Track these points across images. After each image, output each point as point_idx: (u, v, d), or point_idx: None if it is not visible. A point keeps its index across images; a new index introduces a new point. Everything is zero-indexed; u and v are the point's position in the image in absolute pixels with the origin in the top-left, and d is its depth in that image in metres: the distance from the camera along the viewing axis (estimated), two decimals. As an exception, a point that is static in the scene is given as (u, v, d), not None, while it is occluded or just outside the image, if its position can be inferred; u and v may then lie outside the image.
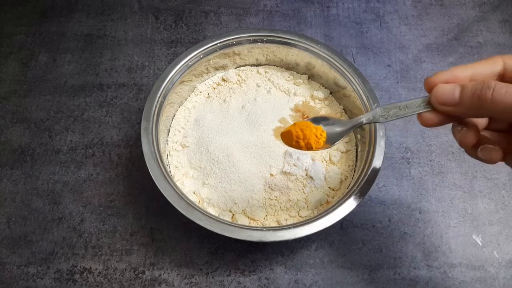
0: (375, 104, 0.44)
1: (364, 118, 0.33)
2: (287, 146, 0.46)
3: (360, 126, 0.34)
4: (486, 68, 0.28)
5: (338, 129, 0.34)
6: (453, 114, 0.28)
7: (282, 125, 0.47)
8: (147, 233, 0.46)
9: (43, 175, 0.49)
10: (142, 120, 0.43)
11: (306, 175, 0.45)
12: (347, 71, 0.47)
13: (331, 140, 0.34)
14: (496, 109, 0.25)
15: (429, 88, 0.29)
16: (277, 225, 0.43)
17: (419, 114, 0.29)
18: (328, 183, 0.45)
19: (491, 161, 0.29)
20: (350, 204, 0.38)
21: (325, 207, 0.43)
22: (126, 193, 0.48)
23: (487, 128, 0.31)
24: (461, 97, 0.27)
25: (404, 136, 0.52)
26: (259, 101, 0.49)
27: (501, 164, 0.31)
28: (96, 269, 0.44)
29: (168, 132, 0.48)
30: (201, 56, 0.48)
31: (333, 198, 0.44)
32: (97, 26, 0.61)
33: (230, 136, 0.46)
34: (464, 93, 0.27)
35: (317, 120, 0.35)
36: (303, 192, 0.44)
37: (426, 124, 0.29)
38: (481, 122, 0.31)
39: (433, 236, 0.46)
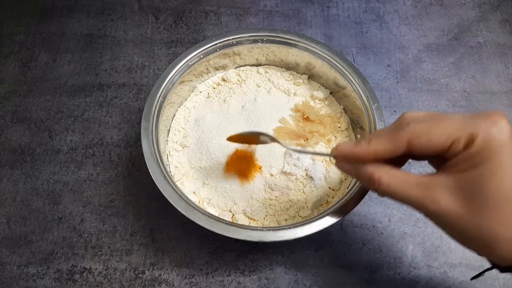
0: (375, 104, 0.44)
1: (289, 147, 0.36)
2: (287, 146, 0.46)
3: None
4: (389, 150, 0.28)
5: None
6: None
7: (282, 125, 0.47)
8: (147, 233, 0.46)
9: (43, 175, 0.49)
10: (142, 120, 0.43)
11: (306, 175, 0.45)
12: (347, 71, 0.47)
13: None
14: (386, 196, 0.29)
15: (337, 157, 0.32)
16: (277, 225, 0.43)
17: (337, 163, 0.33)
18: (328, 183, 0.45)
19: None
20: (350, 204, 0.38)
21: (325, 207, 0.43)
22: (126, 193, 0.48)
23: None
24: (357, 177, 0.31)
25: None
26: (259, 101, 0.49)
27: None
28: (96, 269, 0.44)
29: (168, 132, 0.48)
30: (201, 56, 0.48)
31: (333, 198, 0.44)
32: (97, 26, 0.61)
33: (230, 136, 0.46)
34: (357, 175, 0.30)
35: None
36: (303, 192, 0.44)
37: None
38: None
39: (433, 236, 0.46)
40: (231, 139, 0.40)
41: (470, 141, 0.25)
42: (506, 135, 0.25)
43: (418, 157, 0.29)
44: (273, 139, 0.38)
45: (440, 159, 0.28)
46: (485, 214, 0.25)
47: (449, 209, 0.26)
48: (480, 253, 0.27)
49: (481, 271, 0.31)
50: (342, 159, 0.31)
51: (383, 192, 0.28)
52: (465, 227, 0.26)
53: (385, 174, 0.28)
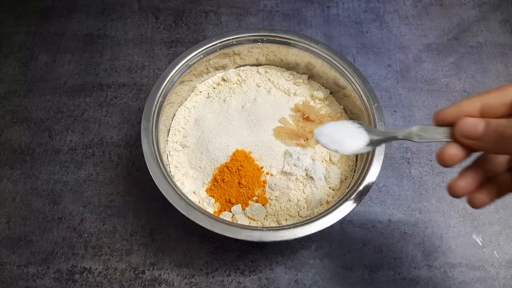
0: (375, 104, 0.44)
1: (399, 134, 0.31)
2: (287, 146, 0.46)
3: (394, 139, 0.32)
4: (496, 99, 0.27)
5: (359, 142, 0.33)
6: (475, 149, 0.28)
7: (282, 125, 0.47)
8: (147, 233, 0.46)
9: (43, 175, 0.49)
10: (142, 120, 0.43)
11: (306, 175, 0.45)
12: (347, 71, 0.47)
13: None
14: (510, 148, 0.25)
15: (438, 121, 0.29)
16: (277, 225, 0.43)
17: (441, 153, 0.29)
18: (328, 183, 0.45)
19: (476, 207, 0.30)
20: (350, 204, 0.38)
21: (325, 207, 0.43)
22: (126, 193, 0.48)
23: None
24: (485, 132, 0.27)
25: (404, 136, 0.52)
26: (259, 101, 0.49)
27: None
28: (96, 269, 0.44)
29: (168, 132, 0.48)
30: (201, 56, 0.48)
31: (333, 198, 0.44)
32: (97, 26, 0.61)
33: (230, 136, 0.46)
34: (487, 129, 0.26)
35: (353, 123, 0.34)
36: (303, 192, 0.44)
37: (446, 161, 0.29)
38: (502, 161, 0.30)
39: (433, 236, 0.46)
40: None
41: None
42: None
43: None
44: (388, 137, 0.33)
45: None
46: None
47: None
48: None
49: None
50: (449, 116, 0.28)
51: None
52: None
53: None
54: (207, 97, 0.51)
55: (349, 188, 0.41)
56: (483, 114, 0.28)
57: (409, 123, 0.53)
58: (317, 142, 0.34)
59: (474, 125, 0.27)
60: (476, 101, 0.28)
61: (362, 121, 0.34)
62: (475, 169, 0.30)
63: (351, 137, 0.33)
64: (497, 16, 0.64)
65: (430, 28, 0.63)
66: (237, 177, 0.44)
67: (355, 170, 0.45)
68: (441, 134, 0.29)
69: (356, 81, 0.46)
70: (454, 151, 0.28)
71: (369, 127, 0.34)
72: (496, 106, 0.27)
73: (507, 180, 0.29)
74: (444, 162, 0.29)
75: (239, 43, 0.49)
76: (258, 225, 0.43)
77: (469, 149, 0.28)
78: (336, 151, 0.34)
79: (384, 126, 0.43)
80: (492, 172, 0.29)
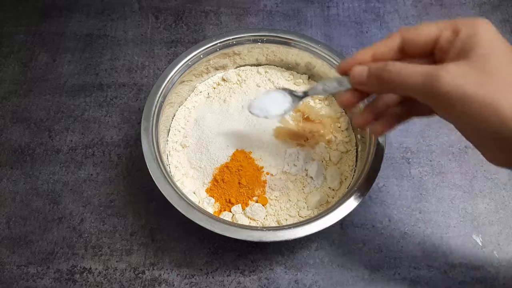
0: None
1: (309, 91, 0.37)
2: (287, 146, 0.46)
3: (306, 96, 0.37)
4: (385, 46, 0.30)
5: (284, 102, 0.38)
6: (367, 92, 0.32)
7: (282, 125, 0.47)
8: (147, 233, 0.46)
9: (43, 175, 0.49)
10: (142, 120, 0.43)
11: (306, 175, 0.45)
12: (347, 71, 0.47)
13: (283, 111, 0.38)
14: (394, 88, 0.29)
15: (340, 72, 0.33)
16: (277, 225, 0.43)
17: (339, 98, 0.34)
18: (328, 183, 0.45)
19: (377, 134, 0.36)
20: (350, 204, 0.38)
21: (325, 207, 0.43)
22: (126, 193, 0.48)
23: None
24: (368, 77, 0.30)
25: (404, 136, 0.52)
26: (259, 101, 0.49)
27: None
28: (96, 269, 0.44)
29: (168, 132, 0.48)
30: (201, 56, 0.48)
31: (333, 198, 0.44)
32: (97, 26, 0.61)
33: (230, 136, 0.46)
34: (369, 74, 0.30)
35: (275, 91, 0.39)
36: (303, 192, 0.44)
37: (345, 103, 0.34)
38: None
39: (433, 236, 0.46)
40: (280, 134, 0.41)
41: (456, 30, 0.27)
42: (490, 26, 0.27)
43: (412, 56, 0.30)
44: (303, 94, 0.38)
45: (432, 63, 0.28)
46: (494, 83, 0.25)
47: (461, 75, 0.25)
48: (493, 132, 0.25)
49: None
50: (344, 65, 0.32)
51: (397, 74, 0.28)
52: (480, 94, 0.25)
53: (396, 62, 0.29)
54: (207, 97, 0.51)
55: (349, 188, 0.41)
56: (375, 61, 0.31)
57: (409, 123, 0.53)
58: (251, 113, 0.39)
59: (360, 71, 0.31)
60: (369, 50, 0.31)
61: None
62: (372, 104, 0.34)
63: (276, 103, 0.38)
64: (497, 16, 0.64)
65: (430, 28, 0.62)
66: (237, 177, 0.44)
67: (355, 170, 0.45)
68: (342, 84, 0.33)
69: (356, 81, 0.46)
70: (349, 96, 0.33)
71: (291, 91, 0.38)
72: (385, 52, 0.30)
73: (398, 111, 0.33)
74: (342, 105, 0.36)
75: (239, 43, 0.49)
76: (258, 225, 0.43)
77: (364, 93, 0.32)
78: (266, 117, 0.39)
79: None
80: (386, 106, 0.33)
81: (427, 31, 0.28)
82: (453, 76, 0.25)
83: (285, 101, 0.38)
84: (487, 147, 0.28)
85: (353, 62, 0.32)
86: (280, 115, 0.38)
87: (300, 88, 0.51)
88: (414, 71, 0.27)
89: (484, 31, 0.26)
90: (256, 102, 0.39)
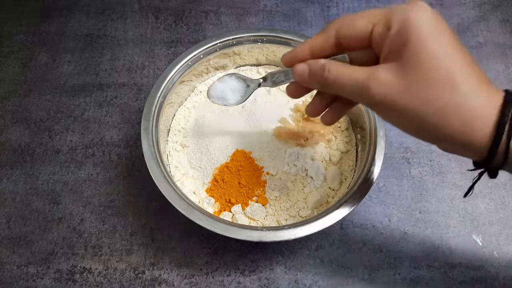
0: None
1: (261, 82, 0.38)
2: (287, 146, 0.46)
3: (258, 87, 0.38)
4: (321, 42, 0.30)
5: (240, 91, 0.40)
6: (310, 88, 0.33)
7: (282, 125, 0.47)
8: (147, 233, 0.46)
9: (43, 175, 0.49)
10: (142, 120, 0.43)
11: (306, 175, 0.45)
12: (347, 71, 0.47)
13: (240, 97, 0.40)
14: (334, 91, 0.30)
15: (285, 65, 0.33)
16: (277, 225, 0.43)
17: (287, 88, 0.35)
18: (328, 183, 0.45)
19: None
20: (350, 204, 0.38)
21: (325, 207, 0.43)
22: (126, 193, 0.48)
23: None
24: (309, 77, 0.31)
25: (404, 136, 0.52)
26: (259, 101, 0.49)
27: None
28: (96, 269, 0.44)
29: (168, 132, 0.48)
30: (201, 56, 0.48)
31: (333, 198, 0.44)
32: (97, 26, 0.61)
33: (230, 136, 0.46)
34: (310, 74, 0.31)
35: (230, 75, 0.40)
36: (303, 192, 0.44)
37: (292, 96, 0.35)
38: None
39: (433, 236, 0.46)
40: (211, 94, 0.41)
41: (389, 21, 0.26)
42: (428, 10, 0.25)
43: (350, 49, 0.30)
44: (256, 84, 0.39)
45: (372, 54, 0.29)
46: (426, 85, 0.25)
47: (391, 86, 0.26)
48: (432, 135, 0.27)
49: (470, 185, 0.30)
50: (287, 60, 0.33)
51: (333, 80, 0.29)
52: (409, 104, 0.25)
53: (334, 64, 0.29)
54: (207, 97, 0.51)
55: (349, 188, 0.41)
56: (314, 56, 0.31)
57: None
58: (212, 101, 0.40)
59: (302, 71, 0.31)
60: (307, 45, 0.31)
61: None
62: (319, 95, 0.35)
63: (233, 91, 0.40)
64: (497, 16, 0.64)
65: (430, 28, 0.62)
66: (237, 177, 0.44)
67: (355, 170, 0.45)
68: (288, 76, 0.34)
69: (356, 81, 0.46)
70: (294, 88, 0.34)
71: (245, 79, 0.39)
72: (323, 47, 0.30)
73: (345, 99, 0.33)
74: (290, 95, 0.35)
75: (239, 43, 0.49)
76: (258, 225, 0.43)
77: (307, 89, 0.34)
78: (225, 105, 0.41)
79: (384, 126, 0.43)
80: (334, 95, 0.34)
81: (360, 25, 0.28)
82: (381, 85, 0.26)
83: (241, 89, 0.39)
84: (429, 142, 0.28)
85: (294, 58, 0.32)
86: (238, 103, 0.40)
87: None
88: (349, 78, 0.28)
89: (416, 24, 0.25)
90: (213, 91, 0.40)
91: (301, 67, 0.31)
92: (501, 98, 0.24)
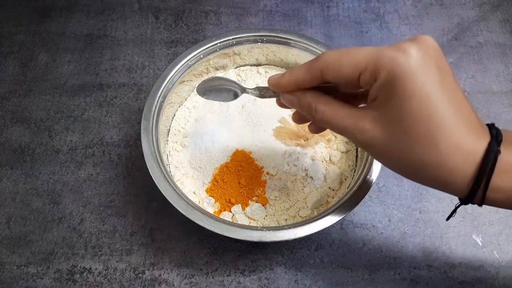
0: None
1: (253, 91, 0.37)
2: (287, 146, 0.46)
3: (247, 92, 0.38)
4: (306, 79, 0.30)
5: (228, 93, 0.39)
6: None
7: (282, 125, 0.47)
8: (147, 233, 0.46)
9: (43, 175, 0.49)
10: (142, 120, 0.43)
11: (306, 175, 0.45)
12: (347, 71, 0.47)
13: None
14: (321, 125, 0.31)
15: (272, 89, 0.34)
16: (277, 225, 0.43)
17: (276, 100, 0.36)
18: (328, 183, 0.45)
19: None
20: (350, 204, 0.38)
21: (325, 207, 0.43)
22: (126, 193, 0.48)
23: None
24: (299, 107, 0.32)
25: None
26: (259, 101, 0.49)
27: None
28: (96, 269, 0.44)
29: (168, 132, 0.48)
30: (201, 56, 0.48)
31: (333, 198, 0.44)
32: (97, 26, 0.61)
33: (230, 136, 0.46)
34: (300, 105, 0.32)
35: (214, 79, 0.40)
36: (303, 192, 0.44)
37: (281, 107, 0.35)
38: None
39: (433, 236, 0.46)
40: (200, 90, 0.41)
41: (376, 72, 0.25)
42: (415, 62, 0.24)
43: (341, 86, 0.30)
44: (244, 90, 0.38)
45: (362, 91, 0.30)
46: (407, 142, 0.26)
47: (375, 138, 0.27)
48: (416, 180, 0.28)
49: (452, 210, 0.31)
50: (272, 87, 0.33)
51: (320, 120, 0.30)
52: (392, 155, 0.27)
53: (321, 104, 0.30)
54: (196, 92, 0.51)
55: (349, 188, 0.41)
56: (299, 88, 0.31)
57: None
58: (204, 98, 0.40)
59: (291, 101, 0.32)
60: (291, 80, 0.31)
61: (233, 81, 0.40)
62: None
63: (221, 94, 0.40)
64: (497, 16, 0.64)
65: (430, 28, 0.63)
66: (237, 177, 0.44)
67: (355, 170, 0.45)
68: (275, 94, 0.35)
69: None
70: (282, 103, 0.34)
71: (235, 86, 0.39)
72: (308, 83, 0.30)
73: None
74: (280, 106, 0.36)
75: (239, 43, 0.49)
76: (258, 225, 0.43)
77: None
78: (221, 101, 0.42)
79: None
80: None
81: (346, 71, 0.27)
82: (366, 135, 0.27)
83: (229, 94, 0.39)
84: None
85: (280, 87, 0.32)
86: (231, 100, 0.40)
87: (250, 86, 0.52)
88: (336, 122, 0.29)
89: (402, 78, 0.24)
90: (203, 90, 0.40)
91: (290, 98, 0.32)
92: (483, 148, 0.25)
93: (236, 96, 0.39)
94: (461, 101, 0.26)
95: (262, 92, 0.36)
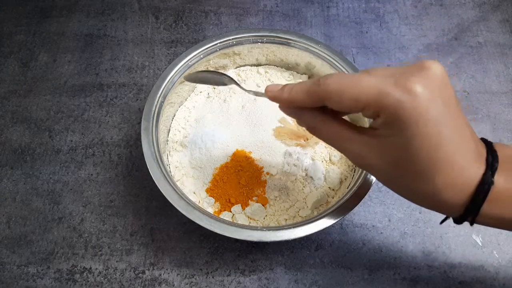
0: None
1: (258, 93, 0.37)
2: (287, 146, 0.46)
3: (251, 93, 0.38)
4: (307, 103, 0.30)
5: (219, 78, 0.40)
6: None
7: (282, 125, 0.47)
8: (147, 233, 0.46)
9: (43, 175, 0.49)
10: (142, 120, 0.43)
11: (306, 175, 0.45)
12: (347, 71, 0.47)
13: None
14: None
15: (269, 100, 0.33)
16: (277, 225, 0.43)
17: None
18: (328, 183, 0.45)
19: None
20: (350, 204, 0.38)
21: (325, 207, 0.43)
22: (126, 193, 0.48)
23: None
24: (298, 122, 0.32)
25: (404, 136, 0.52)
26: (259, 101, 0.49)
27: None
28: (96, 269, 0.44)
29: (168, 132, 0.48)
30: (201, 56, 0.48)
31: (333, 198, 0.44)
32: (97, 26, 0.61)
33: (230, 136, 0.46)
34: (299, 120, 0.31)
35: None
36: (303, 192, 0.44)
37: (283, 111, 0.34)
38: None
39: (433, 236, 0.46)
40: (189, 78, 0.42)
41: (378, 111, 0.25)
42: (419, 104, 0.24)
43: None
44: (233, 81, 0.39)
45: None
46: (405, 173, 0.27)
47: (373, 164, 0.28)
48: (411, 201, 0.30)
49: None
50: (270, 99, 0.32)
51: (318, 137, 0.31)
52: (388, 180, 0.29)
53: (320, 123, 0.30)
54: (207, 97, 0.51)
55: (349, 188, 0.42)
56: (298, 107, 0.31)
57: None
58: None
59: (291, 113, 0.32)
60: (291, 100, 0.30)
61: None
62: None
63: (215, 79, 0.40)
64: (497, 16, 0.64)
65: (430, 28, 0.63)
66: (237, 177, 0.44)
67: (355, 170, 0.45)
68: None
69: (356, 81, 0.46)
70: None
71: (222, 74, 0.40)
72: (309, 106, 0.30)
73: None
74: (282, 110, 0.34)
75: (239, 43, 0.49)
76: (258, 225, 0.43)
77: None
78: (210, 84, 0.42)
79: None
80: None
81: (348, 105, 0.26)
82: (364, 162, 0.29)
83: (218, 82, 0.40)
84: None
85: (277, 101, 0.32)
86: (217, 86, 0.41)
87: (292, 79, 0.52)
88: (338, 143, 0.30)
89: (403, 120, 0.24)
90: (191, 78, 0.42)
91: (288, 111, 0.32)
92: (478, 180, 0.26)
93: (224, 84, 0.40)
94: (463, 132, 0.26)
95: (257, 94, 0.36)
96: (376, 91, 0.25)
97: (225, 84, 0.40)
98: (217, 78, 0.40)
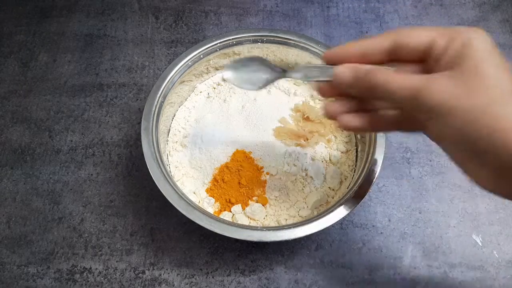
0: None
1: (292, 74, 0.34)
2: (287, 146, 0.46)
3: (283, 77, 0.35)
4: (375, 45, 0.29)
5: (264, 76, 0.36)
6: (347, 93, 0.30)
7: (282, 125, 0.47)
8: (147, 233, 0.46)
9: (43, 175, 0.49)
10: (142, 120, 0.43)
11: (306, 175, 0.45)
12: (347, 71, 0.47)
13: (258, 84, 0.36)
14: (379, 96, 0.28)
15: (326, 61, 0.31)
16: (277, 225, 0.43)
17: (320, 88, 0.32)
18: (328, 183, 0.45)
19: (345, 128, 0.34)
20: (350, 204, 0.38)
21: (325, 207, 0.43)
22: (126, 193, 0.48)
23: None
24: (353, 80, 0.29)
25: (404, 136, 0.52)
26: (259, 101, 0.49)
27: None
28: (96, 269, 0.44)
29: (168, 132, 0.48)
30: (201, 56, 0.48)
31: (333, 198, 0.44)
32: (97, 26, 0.61)
33: (230, 136, 0.46)
34: (355, 77, 0.29)
35: (252, 59, 0.37)
36: (303, 192, 0.44)
37: (323, 95, 0.33)
38: None
39: (433, 236, 0.46)
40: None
41: (452, 37, 0.26)
42: (484, 38, 0.26)
43: (402, 60, 0.29)
44: (285, 74, 0.35)
45: (420, 71, 0.28)
46: (483, 97, 0.25)
47: (447, 91, 0.25)
48: (482, 149, 0.25)
49: None
50: (333, 57, 0.31)
51: (381, 84, 0.27)
52: (460, 105, 0.25)
53: (382, 68, 0.28)
54: (207, 97, 0.51)
55: (349, 188, 0.42)
56: (363, 59, 0.29)
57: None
58: (233, 84, 0.37)
59: (345, 73, 0.29)
60: (358, 46, 0.29)
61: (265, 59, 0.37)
62: (350, 98, 0.32)
63: (254, 75, 0.36)
64: (497, 16, 0.64)
65: (430, 28, 0.62)
66: (237, 177, 0.44)
67: (355, 170, 0.45)
68: (323, 74, 0.31)
69: (356, 81, 0.46)
70: (329, 88, 0.32)
71: (270, 64, 0.36)
72: (375, 53, 0.29)
73: (391, 117, 0.31)
74: (321, 95, 0.33)
75: (239, 43, 0.49)
76: (258, 225, 0.43)
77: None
78: (241, 88, 0.38)
79: (384, 126, 0.43)
80: (372, 105, 0.31)
81: (421, 35, 0.27)
82: (440, 90, 0.25)
83: (262, 74, 0.36)
84: (480, 171, 0.26)
85: (341, 54, 0.30)
86: (257, 89, 0.37)
87: (291, 79, 0.51)
88: (402, 83, 0.26)
89: (479, 42, 0.26)
90: (233, 72, 0.37)
91: (345, 69, 0.29)
92: None
93: (266, 83, 0.36)
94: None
95: (307, 71, 0.32)
96: (448, 29, 0.27)
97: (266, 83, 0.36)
98: (262, 70, 0.36)
